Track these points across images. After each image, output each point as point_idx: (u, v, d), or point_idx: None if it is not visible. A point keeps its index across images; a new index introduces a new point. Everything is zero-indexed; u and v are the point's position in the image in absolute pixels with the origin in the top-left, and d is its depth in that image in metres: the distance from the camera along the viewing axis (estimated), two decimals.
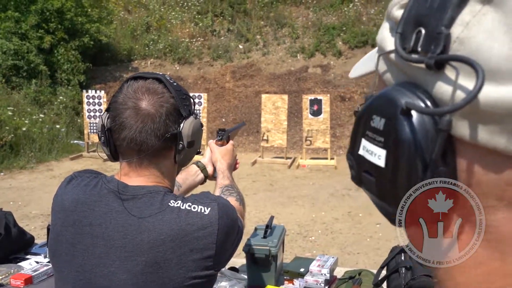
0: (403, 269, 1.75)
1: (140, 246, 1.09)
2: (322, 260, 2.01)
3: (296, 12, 13.33)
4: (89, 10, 11.57)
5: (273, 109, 8.79)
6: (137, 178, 1.17)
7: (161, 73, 1.19)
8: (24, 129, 8.86)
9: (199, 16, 13.35)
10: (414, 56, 0.35)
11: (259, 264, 1.92)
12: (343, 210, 6.03)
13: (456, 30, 0.33)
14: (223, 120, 10.44)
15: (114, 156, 1.19)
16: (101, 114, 1.20)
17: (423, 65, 0.35)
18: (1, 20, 10.56)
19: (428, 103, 0.35)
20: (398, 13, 0.39)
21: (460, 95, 0.33)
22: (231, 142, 1.68)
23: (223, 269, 1.79)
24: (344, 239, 5.09)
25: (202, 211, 1.13)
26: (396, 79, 0.39)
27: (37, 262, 2.17)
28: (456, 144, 0.34)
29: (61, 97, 10.63)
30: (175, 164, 1.22)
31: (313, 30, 12.50)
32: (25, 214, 5.84)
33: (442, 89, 0.34)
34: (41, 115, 9.85)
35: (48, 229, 2.31)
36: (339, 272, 2.07)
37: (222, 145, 1.65)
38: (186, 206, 1.13)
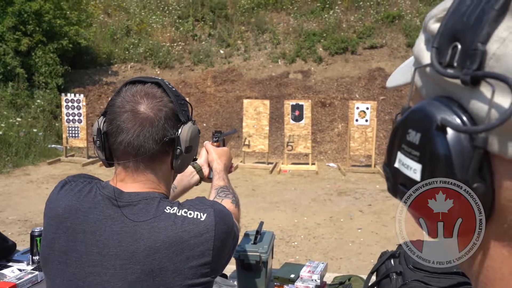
0: (394, 274, 1.75)
1: (136, 254, 1.06)
2: (312, 266, 2.00)
3: (277, 18, 13.39)
4: (68, 12, 11.39)
5: (255, 114, 8.79)
6: (133, 184, 1.14)
7: (159, 78, 1.18)
8: (0, 133, 8.67)
9: (180, 21, 13.30)
10: (450, 71, 0.35)
11: (249, 270, 1.90)
12: (325, 215, 6.06)
13: (492, 47, 0.33)
14: (204, 125, 10.39)
15: (109, 160, 1.16)
16: (98, 118, 1.17)
17: (458, 81, 0.35)
18: None
19: (464, 118, 0.35)
20: (434, 26, 0.38)
21: (495, 112, 0.33)
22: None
23: None
24: (326, 244, 5.10)
25: (198, 217, 1.11)
26: (431, 92, 0.39)
27: (20, 270, 2.11)
28: (492, 160, 0.34)
29: (38, 101, 10.44)
30: (172, 170, 1.20)
31: (294, 36, 12.58)
32: (2, 220, 5.70)
33: (477, 105, 0.34)
34: (18, 119, 9.66)
35: (32, 236, 2.26)
36: (328, 278, 2.07)
37: (217, 146, 1.65)
38: (182, 212, 1.11)
